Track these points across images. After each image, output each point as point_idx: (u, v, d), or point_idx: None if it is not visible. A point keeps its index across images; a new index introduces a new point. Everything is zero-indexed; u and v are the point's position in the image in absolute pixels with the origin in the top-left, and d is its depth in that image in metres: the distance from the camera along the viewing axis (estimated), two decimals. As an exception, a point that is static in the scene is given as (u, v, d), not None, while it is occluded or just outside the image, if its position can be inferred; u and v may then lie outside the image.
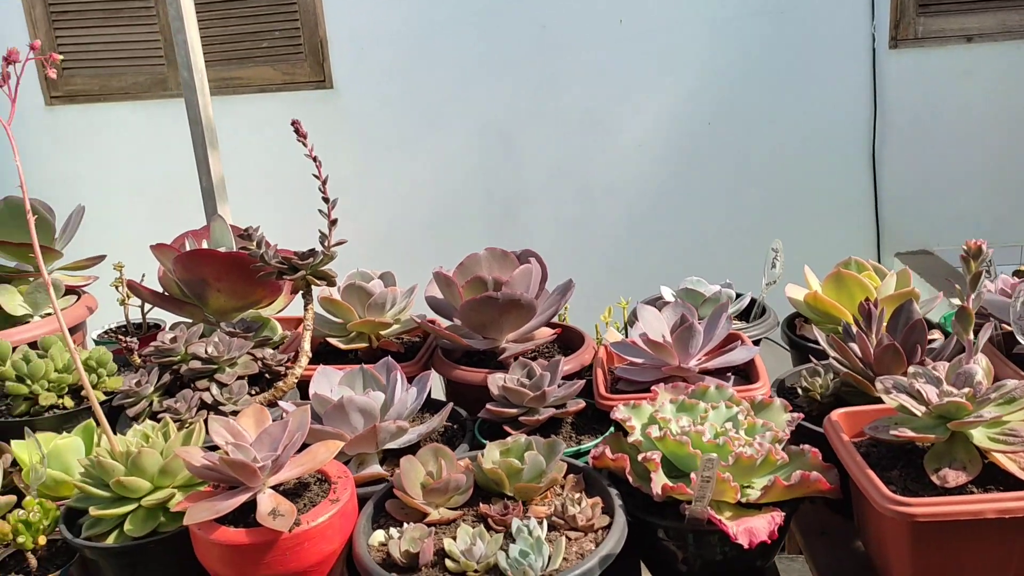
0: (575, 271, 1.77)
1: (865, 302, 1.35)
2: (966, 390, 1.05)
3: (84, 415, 1.48)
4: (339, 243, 1.45)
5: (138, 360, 1.47)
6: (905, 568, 1.05)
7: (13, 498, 1.24)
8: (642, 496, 1.15)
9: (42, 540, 1.16)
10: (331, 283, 1.46)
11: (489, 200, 4.01)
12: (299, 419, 1.11)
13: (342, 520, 1.08)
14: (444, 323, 1.60)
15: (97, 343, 1.81)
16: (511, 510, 1.10)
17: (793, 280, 1.69)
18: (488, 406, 1.36)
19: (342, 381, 1.38)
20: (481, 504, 1.13)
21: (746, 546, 1.05)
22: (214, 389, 1.34)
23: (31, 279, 1.77)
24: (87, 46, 4.00)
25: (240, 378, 1.37)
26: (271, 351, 1.44)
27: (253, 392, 1.40)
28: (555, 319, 1.63)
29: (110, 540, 1.13)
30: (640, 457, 1.13)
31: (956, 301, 1.31)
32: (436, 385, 1.50)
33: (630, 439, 1.18)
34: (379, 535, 1.10)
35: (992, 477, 1.04)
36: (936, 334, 1.49)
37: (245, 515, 1.08)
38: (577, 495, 1.15)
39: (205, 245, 1.66)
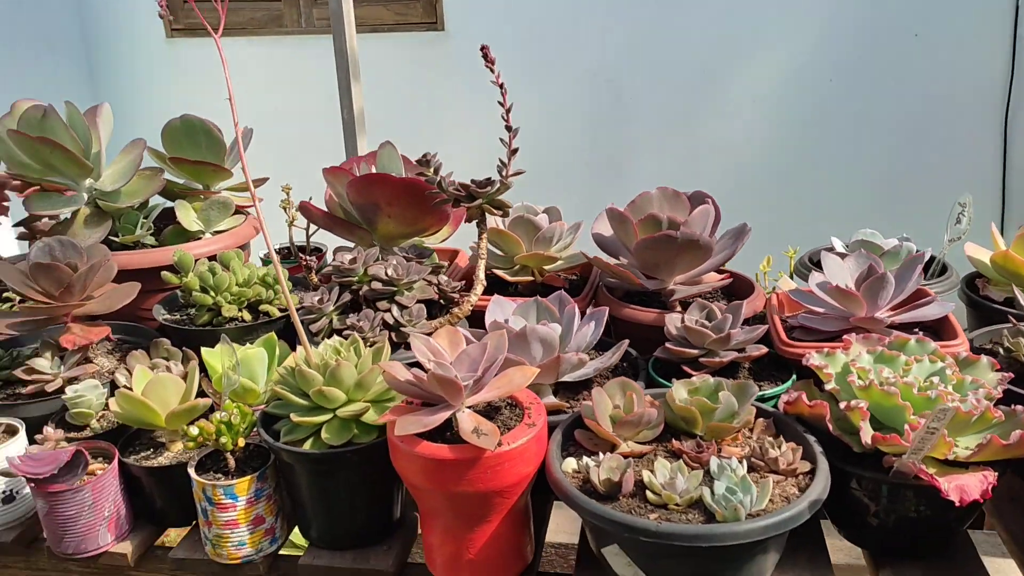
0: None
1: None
2: None
3: (262, 329, 1.53)
4: (517, 173, 1.44)
5: (315, 279, 1.50)
6: None
7: (209, 401, 1.30)
8: (836, 444, 1.12)
9: (241, 442, 1.21)
10: (506, 213, 1.46)
11: (593, 149, 3.91)
12: (496, 342, 1.11)
13: (537, 445, 1.09)
14: (610, 261, 1.57)
15: (265, 262, 1.87)
16: (706, 448, 1.09)
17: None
18: (667, 345, 1.34)
19: (516, 311, 1.39)
20: (673, 440, 1.12)
21: (957, 503, 1.00)
22: (395, 310, 1.36)
23: (203, 196, 1.83)
24: (208, -22, 4.07)
25: (419, 302, 1.39)
26: (445, 278, 1.45)
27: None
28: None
29: (306, 446, 1.17)
30: (843, 405, 1.10)
31: None
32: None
33: (827, 387, 1.14)
34: (571, 463, 1.10)
35: None
36: None
37: (441, 432, 1.09)
38: (769, 438, 1.12)
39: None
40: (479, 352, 1.09)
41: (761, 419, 1.17)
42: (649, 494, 1.02)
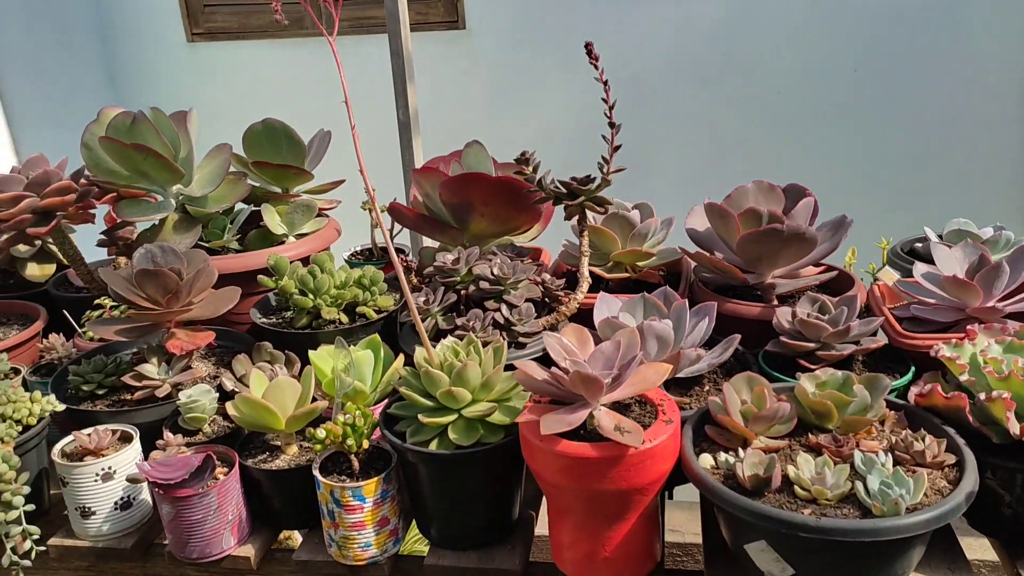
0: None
1: None
2: None
3: (359, 331, 1.53)
4: (619, 170, 1.43)
5: (415, 280, 1.50)
6: None
7: (325, 403, 1.30)
8: (973, 435, 1.11)
9: (365, 444, 1.21)
10: (606, 210, 1.45)
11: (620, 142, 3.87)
12: (628, 340, 1.11)
13: (673, 441, 1.08)
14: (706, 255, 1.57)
15: (351, 264, 1.87)
16: (845, 442, 1.08)
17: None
18: (781, 339, 1.33)
19: (623, 308, 1.38)
20: (809, 435, 1.11)
21: (1110, 494, 0.99)
22: (504, 310, 1.36)
23: (284, 200, 1.83)
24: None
25: (527, 300, 1.38)
26: (549, 276, 1.44)
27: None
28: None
29: (432, 446, 1.17)
30: (983, 396, 1.08)
31: None
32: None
33: (962, 378, 1.13)
34: (707, 458, 1.10)
35: None
36: None
37: (574, 431, 1.09)
38: (907, 431, 1.11)
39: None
40: (613, 350, 1.09)
41: (892, 412, 1.16)
42: (797, 489, 1.01)
